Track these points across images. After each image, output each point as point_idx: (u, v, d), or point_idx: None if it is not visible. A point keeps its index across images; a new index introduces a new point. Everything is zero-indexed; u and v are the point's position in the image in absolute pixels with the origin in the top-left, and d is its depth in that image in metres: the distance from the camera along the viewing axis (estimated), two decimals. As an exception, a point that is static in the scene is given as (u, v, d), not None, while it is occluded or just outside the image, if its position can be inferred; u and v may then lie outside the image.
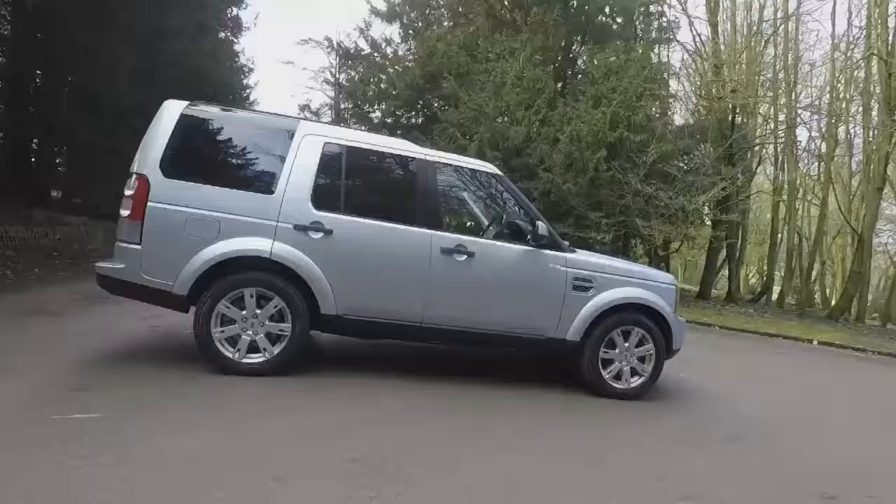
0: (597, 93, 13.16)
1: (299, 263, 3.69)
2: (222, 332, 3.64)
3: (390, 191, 4.28)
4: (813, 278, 23.04)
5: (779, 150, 19.60)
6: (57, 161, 15.97)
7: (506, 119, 13.77)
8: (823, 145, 19.21)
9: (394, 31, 23.02)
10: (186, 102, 3.79)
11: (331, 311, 3.79)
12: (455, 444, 3.02)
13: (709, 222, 15.66)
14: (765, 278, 23.76)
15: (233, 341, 3.68)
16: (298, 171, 3.79)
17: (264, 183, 3.76)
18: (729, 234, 15.74)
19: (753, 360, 7.65)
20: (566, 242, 4.47)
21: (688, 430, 3.86)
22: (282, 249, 3.67)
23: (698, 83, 15.19)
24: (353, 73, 18.81)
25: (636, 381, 4.46)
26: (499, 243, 4.16)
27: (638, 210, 12.35)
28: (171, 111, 3.72)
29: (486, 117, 13.30)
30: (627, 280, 4.43)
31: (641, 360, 4.47)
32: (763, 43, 16.57)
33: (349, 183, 4.01)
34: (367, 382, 3.94)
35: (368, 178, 4.16)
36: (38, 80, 13.55)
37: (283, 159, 3.80)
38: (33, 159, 14.91)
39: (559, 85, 15.65)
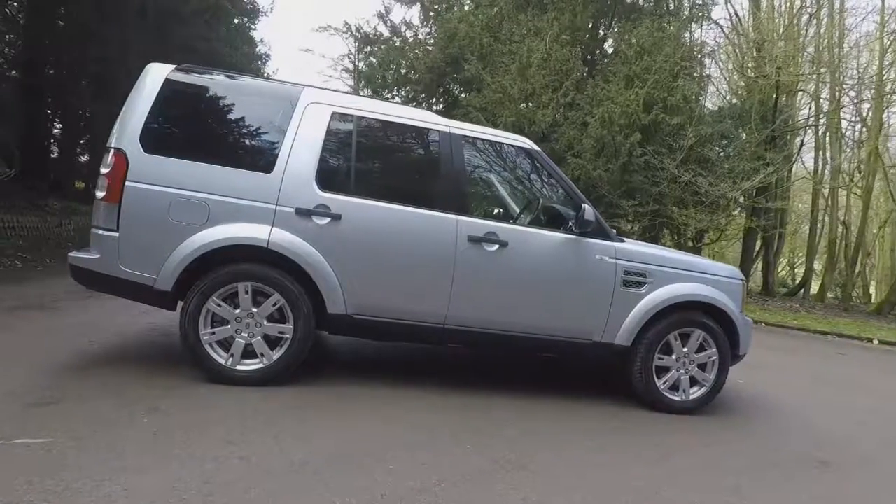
0: (629, 73, 12.33)
1: (302, 254, 3.13)
2: (213, 333, 3.12)
3: (409, 169, 3.68)
4: (856, 270, 21.76)
5: (820, 133, 18.40)
6: (77, 150, 15.78)
7: (531, 103, 13.05)
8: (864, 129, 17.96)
9: (414, 14, 22.38)
10: (172, 66, 3.25)
11: (339, 309, 3.23)
12: (491, 478, 2.44)
13: (738, 211, 14.70)
14: (792, 270, 22.56)
15: (225, 345, 3.16)
16: (301, 145, 3.23)
17: (261, 159, 3.20)
18: (767, 224, 14.75)
19: (814, 363, 6.89)
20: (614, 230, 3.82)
21: (766, 455, 3.21)
22: (281, 237, 3.12)
23: (739, 62, 14.16)
24: (372, 60, 18.25)
25: (696, 393, 3.81)
26: (536, 230, 3.54)
27: (674, 198, 11.53)
28: (155, 75, 3.18)
29: (511, 100, 12.61)
30: (686, 274, 3.77)
31: (702, 367, 3.82)
32: (808, 16, 15.41)
33: (361, 160, 3.43)
34: (382, 395, 3.37)
35: (383, 154, 3.56)
36: (50, 68, 13.27)
37: (283, 132, 3.24)
38: (53, 148, 14.75)
39: (587, 66, 14.80)
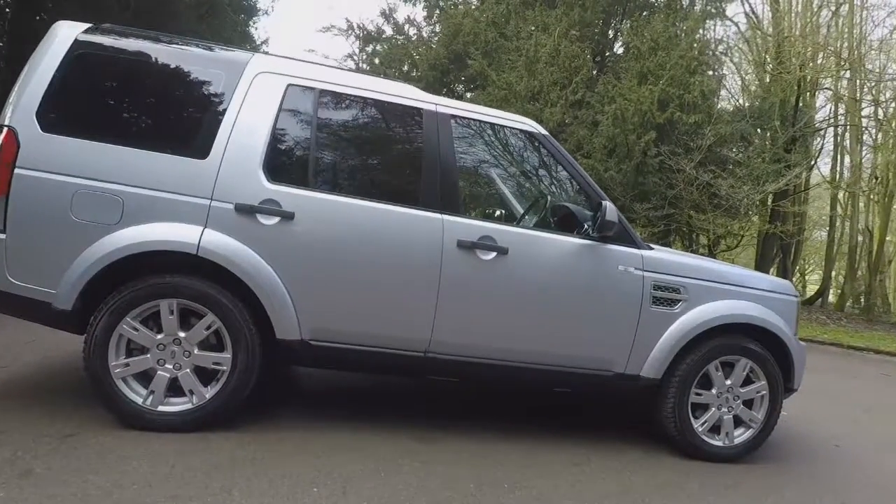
0: (643, 69, 11.61)
1: (242, 263, 2.44)
2: (126, 365, 2.42)
3: (383, 156, 2.97)
4: (878, 279, 20.83)
5: (839, 134, 17.56)
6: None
7: (538, 101, 12.36)
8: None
9: (418, 11, 21.86)
10: (85, 25, 2.58)
11: (291, 334, 2.53)
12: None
13: (752, 215, 13.87)
14: (803, 277, 21.65)
15: (144, 379, 2.46)
16: (246, 124, 2.54)
17: (193, 142, 2.51)
18: (785, 230, 13.93)
19: (861, 388, 6.09)
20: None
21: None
22: (216, 241, 2.43)
23: (759, 59, 13.41)
24: (375, 61, 17.66)
25: (742, 436, 3.09)
26: (544, 234, 2.83)
27: (690, 201, 10.77)
28: (61, 36, 2.51)
29: (518, 98, 11.92)
30: (729, 289, 3.05)
31: (749, 404, 3.10)
32: (830, 14, 14.64)
33: (322, 144, 2.74)
34: (357, 440, 2.67)
35: (351, 138, 2.85)
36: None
37: (223, 108, 2.56)
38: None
39: (598, 63, 14.12)
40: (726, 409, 3.06)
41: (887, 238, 21.67)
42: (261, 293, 2.46)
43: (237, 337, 2.47)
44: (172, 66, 2.63)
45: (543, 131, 2.94)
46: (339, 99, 2.73)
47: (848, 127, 16.59)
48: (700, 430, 3.02)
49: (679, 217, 11.32)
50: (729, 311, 2.98)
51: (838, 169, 18.63)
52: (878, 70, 15.91)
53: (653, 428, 3.14)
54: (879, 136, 17.30)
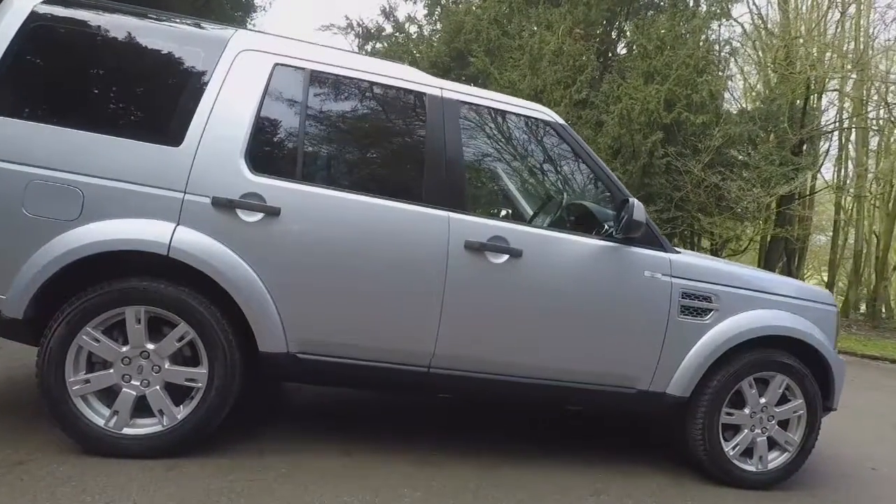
0: (649, 68, 11.35)
1: (220, 265, 2.14)
2: (87, 382, 2.12)
3: (383, 146, 2.66)
4: (883, 285, 20.57)
5: (842, 137, 17.28)
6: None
7: (541, 101, 12.10)
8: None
9: (418, 9, 21.59)
10: (45, -5, 2.28)
11: (276, 346, 2.23)
12: None
13: (761, 218, 13.58)
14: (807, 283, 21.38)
15: (107, 397, 2.16)
16: (227, 108, 2.25)
17: (165, 127, 2.21)
18: (794, 234, 13.66)
19: (884, 401, 5.78)
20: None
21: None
22: (190, 240, 2.13)
23: (768, 58, 13.15)
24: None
25: (777, 460, 2.79)
26: (562, 235, 2.53)
27: (698, 204, 10.49)
28: (16, 6, 2.21)
29: (520, 96, 11.59)
30: (765, 298, 2.75)
31: (784, 424, 2.80)
32: (839, 14, 14.39)
33: (313, 132, 2.44)
34: (354, 469, 2.36)
35: (346, 125, 2.54)
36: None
37: (201, 89, 2.25)
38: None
39: (602, 62, 13.86)
40: (760, 431, 2.76)
41: (893, 244, 21.46)
42: (241, 300, 2.16)
43: (214, 349, 2.17)
44: (143, 41, 2.33)
45: (560, 120, 2.64)
46: (332, 81, 2.43)
47: (854, 130, 16.32)
48: (731, 453, 2.72)
49: (686, 220, 11.04)
50: (766, 322, 2.69)
51: (843, 172, 18.40)
52: (885, 70, 15.69)
53: (678, 450, 2.84)
54: (890, 139, 17.06)
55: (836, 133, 17.08)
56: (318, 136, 2.45)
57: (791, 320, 2.75)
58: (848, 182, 17.75)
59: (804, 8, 16.07)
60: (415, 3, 17.48)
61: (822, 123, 15.59)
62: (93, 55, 2.29)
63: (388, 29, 17.27)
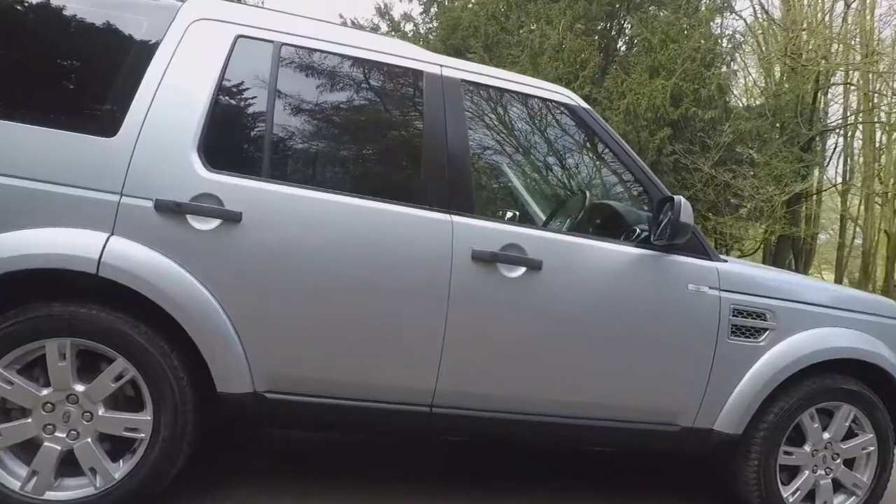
0: (654, 62, 10.99)
1: (165, 285, 1.70)
2: (-3, 435, 1.68)
3: (370, 135, 2.20)
4: (893, 284, 20.21)
5: (848, 134, 16.88)
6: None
7: (543, 98, 11.75)
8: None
9: (414, 7, 21.32)
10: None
11: (240, 385, 1.79)
12: None
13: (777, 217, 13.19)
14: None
15: (24, 452, 1.72)
16: (175, 90, 1.81)
17: (96, 112, 1.77)
18: (805, 233, 13.27)
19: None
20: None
21: None
22: (127, 254, 1.69)
23: (777, 51, 12.77)
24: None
25: (844, 506, 2.35)
26: (589, 242, 2.09)
27: (707, 203, 10.09)
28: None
29: (521, 94, 11.26)
30: (827, 314, 2.32)
31: (849, 463, 2.36)
32: (845, 7, 14.02)
33: (285, 118, 1.99)
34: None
35: (324, 110, 2.09)
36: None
37: (142, 67, 1.82)
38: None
39: (605, 58, 13.50)
40: (823, 472, 2.33)
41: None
42: (193, 328, 1.72)
43: (160, 391, 1.73)
44: (72, 9, 1.88)
45: (584, 104, 2.20)
46: (308, 57, 1.99)
47: (862, 126, 15.93)
48: (791, 500, 2.29)
49: (695, 220, 10.64)
50: (830, 343, 2.26)
51: (850, 169, 18.00)
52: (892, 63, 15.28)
53: (727, 495, 2.40)
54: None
55: (842, 129, 16.73)
56: (289, 125, 2.00)
57: (860, 340, 2.32)
58: (853, 178, 17.36)
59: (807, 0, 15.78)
60: (410, 1, 17.19)
61: (832, 119, 15.22)
62: (8, 26, 1.85)
63: (384, 28, 16.97)
